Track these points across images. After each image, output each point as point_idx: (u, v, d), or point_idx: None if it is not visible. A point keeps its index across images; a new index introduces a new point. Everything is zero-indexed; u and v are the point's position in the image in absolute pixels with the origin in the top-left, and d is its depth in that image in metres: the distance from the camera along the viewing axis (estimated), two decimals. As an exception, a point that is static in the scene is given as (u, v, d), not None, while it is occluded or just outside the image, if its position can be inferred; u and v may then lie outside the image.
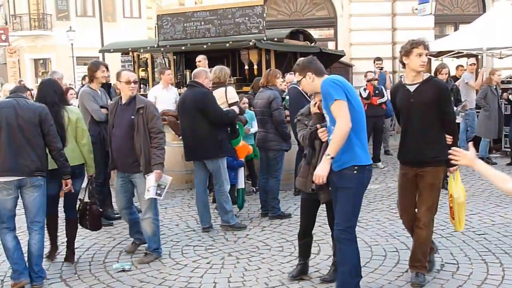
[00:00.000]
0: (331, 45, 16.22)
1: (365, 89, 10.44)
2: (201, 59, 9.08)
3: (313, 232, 4.97)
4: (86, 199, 5.75)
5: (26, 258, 4.99)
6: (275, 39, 10.65)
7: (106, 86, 7.36)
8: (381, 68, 12.52)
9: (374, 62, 12.73)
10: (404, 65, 4.68)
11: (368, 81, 10.50)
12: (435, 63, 13.17)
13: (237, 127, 6.88)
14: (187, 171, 8.68)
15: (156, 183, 5.37)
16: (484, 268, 5.10)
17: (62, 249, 5.88)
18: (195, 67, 8.82)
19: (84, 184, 5.92)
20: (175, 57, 11.61)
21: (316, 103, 4.64)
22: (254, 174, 8.58)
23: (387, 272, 5.07)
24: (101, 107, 6.75)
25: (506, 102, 11.05)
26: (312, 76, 4.35)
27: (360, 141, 4.20)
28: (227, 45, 10.45)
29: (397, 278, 4.94)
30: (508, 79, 11.60)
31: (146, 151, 5.34)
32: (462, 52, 13.16)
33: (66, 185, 5.20)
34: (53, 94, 5.38)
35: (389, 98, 7.64)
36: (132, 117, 5.35)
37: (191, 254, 5.80)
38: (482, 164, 3.02)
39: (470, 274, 4.96)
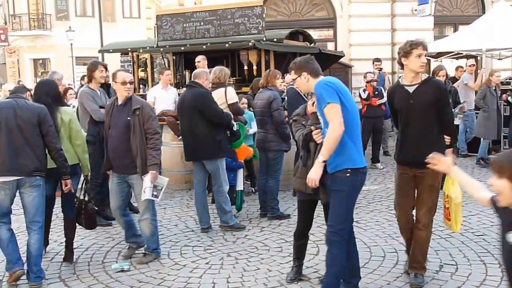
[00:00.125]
0: (330, 46, 16.22)
1: (364, 90, 10.45)
2: (201, 60, 9.08)
3: (312, 232, 4.98)
4: (82, 197, 5.76)
5: (25, 259, 5.01)
6: (275, 39, 10.64)
7: (106, 86, 7.35)
8: (380, 69, 12.52)
9: (373, 63, 12.73)
10: (402, 66, 4.65)
11: (367, 82, 10.50)
12: (434, 64, 13.17)
13: (238, 128, 6.88)
14: (186, 171, 8.68)
15: (152, 184, 5.35)
16: (483, 269, 5.10)
17: (61, 249, 5.89)
18: (195, 67, 8.83)
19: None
20: (174, 57, 11.60)
21: (313, 102, 4.63)
22: (253, 174, 8.59)
23: (386, 273, 5.07)
24: (100, 107, 6.74)
25: (505, 103, 11.05)
26: (307, 77, 4.34)
27: (354, 143, 4.18)
28: (227, 45, 10.44)
29: (396, 279, 4.94)
30: (507, 80, 11.60)
31: (143, 152, 5.30)
32: (462, 53, 13.17)
33: (66, 185, 5.23)
34: (45, 95, 5.42)
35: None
36: (129, 118, 5.31)
37: (190, 255, 5.80)
38: (459, 172, 3.06)
39: (469, 275, 4.96)
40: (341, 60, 14.10)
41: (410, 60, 4.52)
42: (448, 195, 4.80)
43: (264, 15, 10.54)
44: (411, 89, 4.63)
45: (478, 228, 6.37)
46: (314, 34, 14.43)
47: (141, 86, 12.36)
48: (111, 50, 13.21)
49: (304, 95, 7.37)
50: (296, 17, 16.56)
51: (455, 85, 12.01)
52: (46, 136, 4.95)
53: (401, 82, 4.77)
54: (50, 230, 6.07)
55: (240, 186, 7.25)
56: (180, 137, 7.38)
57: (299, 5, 16.53)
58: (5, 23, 34.01)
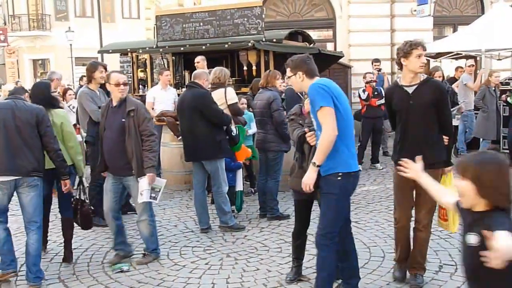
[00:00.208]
0: (330, 46, 16.22)
1: (364, 91, 10.45)
2: (200, 60, 9.09)
3: (312, 232, 4.96)
4: (78, 197, 5.80)
5: (20, 260, 5.05)
6: (274, 40, 10.64)
7: (105, 87, 7.34)
8: (379, 70, 12.52)
9: (372, 64, 12.73)
10: (401, 66, 4.61)
11: (367, 82, 10.50)
12: (434, 65, 13.18)
13: (238, 132, 6.89)
14: (186, 172, 8.68)
15: (149, 186, 5.34)
16: (482, 269, 5.09)
17: (60, 250, 5.89)
18: (194, 68, 8.83)
19: (84, 184, 5.96)
20: (174, 57, 11.60)
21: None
22: (252, 175, 8.59)
23: (385, 273, 5.07)
24: (100, 107, 6.74)
25: (504, 104, 11.05)
26: (302, 76, 4.30)
27: (347, 147, 4.15)
28: (226, 46, 10.44)
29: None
30: (507, 81, 11.60)
31: (138, 154, 5.26)
32: (461, 54, 13.17)
33: (65, 185, 5.27)
34: (35, 98, 5.46)
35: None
36: (123, 119, 5.27)
37: (190, 255, 5.80)
38: (427, 178, 3.07)
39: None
40: (341, 60, 14.10)
41: (410, 60, 4.48)
42: None
43: (263, 16, 10.55)
44: (410, 90, 4.60)
45: (478, 228, 6.35)
46: (314, 34, 14.42)
47: (140, 86, 12.36)
48: (110, 51, 13.22)
49: (301, 94, 7.37)
50: (295, 17, 16.56)
51: (454, 85, 12.04)
52: (44, 137, 4.98)
53: (400, 83, 4.72)
54: (50, 230, 6.09)
55: (239, 186, 7.25)
56: (180, 137, 7.38)
57: (299, 5, 16.53)
58: (5, 23, 33.99)
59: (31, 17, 32.23)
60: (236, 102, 7.24)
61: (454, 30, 16.50)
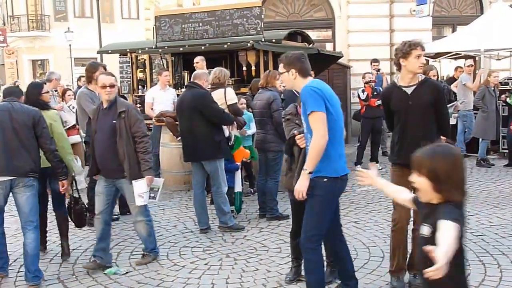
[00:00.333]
0: (329, 47, 16.21)
1: (363, 91, 10.45)
2: (199, 60, 9.09)
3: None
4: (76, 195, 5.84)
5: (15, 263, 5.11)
6: (273, 40, 10.63)
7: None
8: (378, 70, 12.52)
9: (371, 64, 12.74)
10: (399, 67, 4.57)
11: (366, 82, 10.49)
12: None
13: (234, 142, 6.90)
14: (185, 172, 8.69)
15: (148, 188, 5.34)
16: (481, 269, 5.11)
17: (59, 251, 5.88)
18: (193, 68, 8.83)
19: (83, 184, 5.98)
20: (173, 58, 11.59)
21: None
22: (251, 175, 8.59)
23: (385, 273, 5.06)
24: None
25: (504, 104, 11.06)
26: (295, 74, 4.24)
27: (336, 151, 4.10)
28: (225, 46, 10.43)
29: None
30: (506, 81, 11.62)
31: (130, 156, 5.21)
32: (460, 54, 13.18)
33: (63, 186, 5.31)
34: (26, 99, 5.51)
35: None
36: (114, 121, 5.22)
37: (189, 255, 5.80)
38: (382, 181, 3.13)
39: (468, 275, 4.92)
40: (340, 60, 14.08)
41: (409, 61, 4.45)
42: None
43: (262, 16, 10.54)
44: (409, 90, 4.57)
45: (477, 228, 6.37)
46: (313, 34, 14.42)
47: (139, 87, 12.36)
48: (109, 51, 13.22)
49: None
50: (294, 17, 16.56)
51: (453, 85, 12.04)
52: (40, 138, 5.05)
53: (398, 83, 4.69)
54: (49, 230, 6.09)
55: (238, 187, 7.25)
56: (179, 138, 7.38)
57: (298, 5, 16.54)
58: (4, 24, 34.00)
59: (30, 18, 32.24)
60: (236, 103, 7.24)
61: (453, 30, 16.51)
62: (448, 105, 9.13)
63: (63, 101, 9.46)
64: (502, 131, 10.85)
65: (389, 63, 15.31)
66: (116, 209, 7.33)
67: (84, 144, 7.08)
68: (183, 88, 8.60)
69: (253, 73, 10.69)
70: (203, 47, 10.45)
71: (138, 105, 11.52)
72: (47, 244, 6.05)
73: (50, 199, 5.85)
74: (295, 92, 7.15)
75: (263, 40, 10.30)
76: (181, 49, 10.91)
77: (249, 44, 9.99)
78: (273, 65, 10.64)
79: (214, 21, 10.80)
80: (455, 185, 2.51)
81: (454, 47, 12.75)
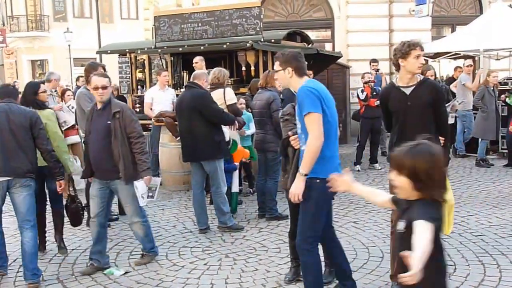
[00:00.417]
0: (328, 47, 16.22)
1: (362, 91, 10.45)
2: (198, 61, 9.08)
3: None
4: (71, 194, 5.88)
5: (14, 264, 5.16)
6: (272, 40, 10.63)
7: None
8: (377, 70, 12.52)
9: (370, 64, 12.74)
10: (398, 67, 4.54)
11: (365, 83, 10.50)
12: (432, 65, 13.18)
13: (231, 145, 6.90)
14: (184, 172, 8.68)
15: (146, 188, 5.35)
16: (481, 269, 5.11)
17: (58, 251, 5.89)
18: (192, 68, 8.83)
19: (82, 184, 6.00)
20: (172, 58, 11.57)
21: None
22: (251, 175, 8.58)
23: (384, 273, 5.06)
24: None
25: (503, 104, 11.07)
26: (291, 73, 4.20)
27: (330, 152, 4.07)
28: (224, 46, 10.43)
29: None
30: (505, 81, 11.62)
31: (125, 157, 5.16)
32: (459, 54, 13.18)
33: (60, 186, 5.36)
34: (22, 98, 5.62)
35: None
36: (109, 122, 5.17)
37: (188, 256, 5.79)
38: (358, 185, 3.10)
39: (467, 276, 4.97)
40: (339, 60, 14.09)
41: (408, 61, 4.42)
42: None
43: (262, 16, 10.54)
44: (407, 91, 4.54)
45: (476, 228, 6.37)
46: (312, 34, 14.42)
47: (139, 87, 12.35)
48: (109, 51, 13.20)
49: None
50: (294, 18, 16.56)
51: (452, 85, 12.05)
52: (37, 139, 5.10)
53: (396, 84, 4.65)
54: (48, 231, 6.11)
55: (235, 188, 7.24)
56: (178, 138, 7.38)
57: (297, 5, 16.54)
58: (3, 24, 33.96)
59: (29, 18, 32.21)
60: (235, 103, 7.24)
61: (453, 30, 16.52)
62: (446, 105, 9.13)
63: (62, 101, 9.45)
64: (501, 131, 10.86)
65: (388, 63, 15.31)
66: (116, 209, 7.35)
67: (83, 145, 7.06)
68: (182, 88, 8.60)
69: (253, 73, 10.68)
70: (202, 47, 10.44)
71: (138, 105, 11.53)
72: (46, 244, 6.06)
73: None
74: (294, 92, 7.16)
75: (262, 40, 10.30)
76: (180, 49, 10.90)
77: (248, 44, 9.99)
78: (272, 65, 10.59)
79: (213, 21, 10.80)
80: (435, 183, 2.50)
81: (453, 47, 12.75)
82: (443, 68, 15.40)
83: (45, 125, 5.47)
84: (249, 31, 10.51)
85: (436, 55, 13.48)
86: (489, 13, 13.51)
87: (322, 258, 5.28)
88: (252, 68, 10.76)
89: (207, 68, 8.53)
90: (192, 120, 6.39)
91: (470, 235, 6.13)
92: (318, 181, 4.00)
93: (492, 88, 10.60)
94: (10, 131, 4.96)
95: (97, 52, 14.86)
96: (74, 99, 8.57)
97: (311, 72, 8.99)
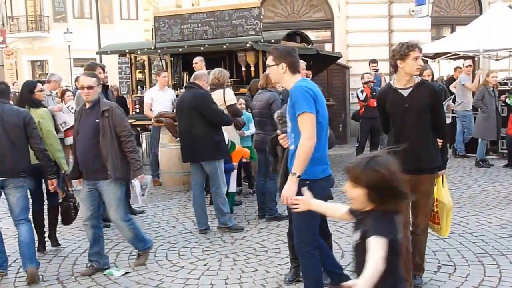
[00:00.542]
0: (328, 47, 16.23)
1: (362, 91, 10.45)
2: (198, 61, 9.08)
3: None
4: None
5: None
6: (272, 41, 10.62)
7: (104, 88, 7.34)
8: (377, 70, 12.51)
9: (369, 64, 12.73)
10: (396, 68, 4.47)
11: (365, 83, 10.50)
12: (432, 65, 13.18)
13: (230, 146, 6.90)
14: (184, 172, 8.69)
15: (140, 186, 5.35)
16: (481, 269, 5.10)
17: (58, 251, 5.89)
18: (192, 69, 8.83)
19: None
20: (172, 59, 11.59)
21: None
22: (251, 176, 8.58)
23: (384, 273, 5.06)
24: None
25: (503, 104, 11.07)
26: (285, 68, 4.12)
27: (320, 154, 4.02)
28: (224, 47, 10.44)
29: None
30: (505, 81, 11.62)
31: (114, 156, 5.07)
32: (459, 54, 13.18)
33: (52, 185, 5.44)
34: (19, 96, 5.77)
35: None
36: (97, 120, 5.09)
37: (188, 256, 5.79)
38: (317, 202, 3.14)
39: (467, 276, 4.96)
40: (339, 61, 14.10)
41: (407, 63, 4.36)
42: (437, 199, 4.76)
43: (261, 17, 10.55)
44: (405, 93, 4.47)
45: (476, 229, 6.37)
46: (312, 35, 14.43)
47: (139, 87, 12.36)
48: (109, 52, 13.21)
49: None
50: (293, 18, 16.57)
51: (451, 85, 12.05)
52: (30, 138, 5.21)
53: (394, 85, 4.57)
54: (47, 231, 6.11)
55: (232, 188, 7.24)
56: (178, 138, 7.38)
57: (297, 6, 16.54)
58: (3, 25, 33.99)
59: (29, 19, 32.20)
60: (235, 103, 7.24)
61: (452, 31, 16.52)
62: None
63: (62, 102, 9.46)
64: (501, 132, 10.85)
65: (388, 64, 15.28)
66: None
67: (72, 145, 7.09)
68: (182, 88, 8.60)
69: (252, 74, 10.69)
70: (202, 48, 10.45)
71: (137, 106, 11.54)
72: (46, 245, 6.05)
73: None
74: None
75: (262, 40, 10.31)
76: (180, 49, 10.91)
77: (248, 45, 10.00)
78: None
79: (213, 22, 10.81)
80: (390, 195, 2.49)
81: (453, 47, 12.76)
82: (443, 69, 15.40)
83: (39, 123, 5.58)
84: (249, 32, 10.52)
85: (436, 56, 13.49)
86: (489, 13, 13.52)
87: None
88: (252, 68, 10.77)
89: (207, 69, 8.53)
90: (192, 120, 6.39)
91: (470, 235, 6.13)
92: (307, 182, 3.93)
93: (491, 89, 10.60)
94: (3, 131, 5.06)
95: (97, 53, 14.86)
96: (74, 99, 8.57)
97: (309, 72, 8.98)
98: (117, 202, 5.23)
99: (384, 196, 2.47)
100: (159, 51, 11.31)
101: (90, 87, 5.15)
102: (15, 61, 32.99)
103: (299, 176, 3.91)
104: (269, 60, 4.23)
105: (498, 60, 13.93)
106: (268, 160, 7.02)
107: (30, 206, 5.98)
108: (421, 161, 4.44)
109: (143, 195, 5.50)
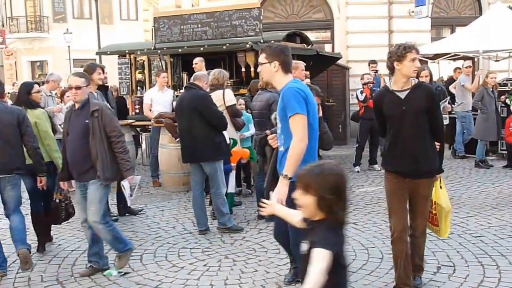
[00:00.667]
0: (328, 48, 16.23)
1: (361, 92, 10.46)
2: (198, 62, 9.09)
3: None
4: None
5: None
6: (272, 41, 10.63)
7: (103, 88, 7.36)
8: (376, 71, 12.51)
9: (369, 65, 12.72)
10: (392, 70, 4.42)
11: (364, 84, 10.50)
12: (431, 66, 13.19)
13: (231, 145, 6.90)
14: (184, 173, 8.68)
15: (129, 187, 5.34)
16: (480, 270, 5.11)
17: (58, 252, 5.89)
18: (192, 69, 8.84)
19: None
20: (172, 59, 11.60)
21: None
22: (250, 176, 8.58)
23: (383, 274, 5.07)
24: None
25: (503, 105, 11.07)
26: (278, 67, 4.09)
27: (310, 156, 4.01)
28: (224, 47, 10.45)
29: (394, 280, 4.94)
30: (505, 82, 11.62)
31: (103, 156, 5.01)
32: (459, 55, 13.19)
33: (41, 182, 5.54)
34: (17, 97, 5.88)
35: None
36: (87, 120, 5.03)
37: (188, 257, 5.79)
38: (279, 207, 3.18)
39: (467, 277, 4.97)
40: (339, 61, 14.11)
41: (404, 64, 4.31)
42: (436, 201, 4.76)
43: (261, 17, 10.56)
44: (402, 95, 4.41)
45: (476, 229, 6.37)
46: (312, 36, 14.44)
47: (138, 88, 12.36)
48: (108, 52, 13.21)
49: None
50: (293, 19, 16.56)
51: (451, 86, 12.04)
52: (24, 136, 5.33)
53: (391, 88, 4.51)
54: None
55: (231, 189, 7.24)
56: (178, 139, 7.38)
57: (297, 7, 16.54)
58: (3, 25, 33.96)
59: (29, 19, 32.20)
60: (235, 104, 7.24)
61: (452, 31, 16.52)
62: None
63: (62, 102, 9.44)
64: (502, 132, 10.84)
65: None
66: (115, 210, 7.35)
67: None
68: (182, 89, 8.60)
69: (252, 74, 10.70)
70: (202, 48, 10.46)
71: (137, 107, 11.53)
72: (46, 245, 6.06)
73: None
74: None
75: (262, 41, 10.31)
76: (180, 50, 10.92)
77: (248, 45, 10.01)
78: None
79: (213, 22, 10.81)
80: (339, 203, 2.50)
81: (452, 48, 12.77)
82: (443, 69, 15.41)
83: (35, 124, 5.67)
84: (248, 32, 10.53)
85: (436, 56, 13.50)
86: (489, 14, 13.53)
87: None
88: (252, 69, 10.78)
89: (206, 69, 8.54)
90: (192, 120, 6.39)
91: (470, 236, 6.13)
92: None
93: (491, 89, 10.60)
94: None
95: (97, 53, 14.85)
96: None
97: (308, 72, 8.98)
98: (98, 205, 5.11)
99: (332, 204, 2.47)
100: (158, 51, 11.32)
101: (78, 87, 5.08)
102: (15, 62, 32.98)
103: (290, 178, 3.88)
104: (262, 58, 4.19)
105: (498, 61, 13.94)
106: (267, 160, 7.04)
107: (29, 206, 6.02)
108: (419, 163, 4.42)
109: (131, 195, 5.46)
